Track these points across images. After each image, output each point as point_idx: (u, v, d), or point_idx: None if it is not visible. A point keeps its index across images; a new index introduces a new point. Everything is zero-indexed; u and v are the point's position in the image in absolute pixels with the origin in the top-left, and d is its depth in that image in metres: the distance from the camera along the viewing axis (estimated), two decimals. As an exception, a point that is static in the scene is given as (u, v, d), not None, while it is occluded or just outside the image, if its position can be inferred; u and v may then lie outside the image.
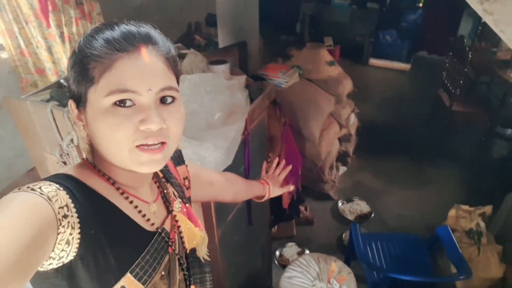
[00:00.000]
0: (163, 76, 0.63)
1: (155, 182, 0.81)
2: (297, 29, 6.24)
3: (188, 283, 0.80)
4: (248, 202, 1.71)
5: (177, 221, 0.80)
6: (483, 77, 4.12)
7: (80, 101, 0.64)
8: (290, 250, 2.76)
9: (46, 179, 0.61)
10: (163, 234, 0.74)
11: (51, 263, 0.56)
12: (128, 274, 0.64)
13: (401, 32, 5.53)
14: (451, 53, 3.73)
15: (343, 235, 2.87)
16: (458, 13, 5.08)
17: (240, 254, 1.89)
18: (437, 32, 5.31)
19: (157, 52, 0.63)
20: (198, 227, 0.86)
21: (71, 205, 0.58)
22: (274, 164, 1.34)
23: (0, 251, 0.47)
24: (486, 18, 0.88)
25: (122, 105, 0.60)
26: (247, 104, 1.45)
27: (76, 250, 0.57)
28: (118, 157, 0.63)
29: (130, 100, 0.60)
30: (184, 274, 0.79)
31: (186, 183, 0.92)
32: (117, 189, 0.69)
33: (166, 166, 0.86)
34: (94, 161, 0.69)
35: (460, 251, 2.02)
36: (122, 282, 0.63)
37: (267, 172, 1.33)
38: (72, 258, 0.58)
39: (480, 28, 3.97)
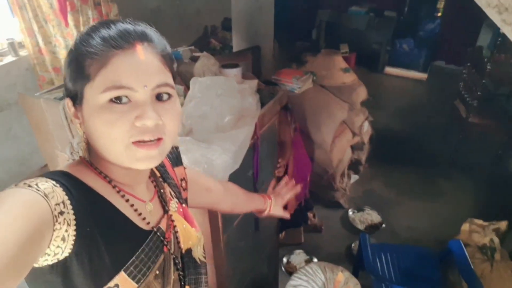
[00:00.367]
0: (159, 73, 0.63)
1: (152, 182, 0.81)
2: (313, 35, 6.22)
3: (183, 283, 0.80)
4: (256, 208, 1.69)
5: (173, 220, 0.79)
6: (502, 89, 4.02)
7: (77, 99, 0.64)
8: (298, 257, 2.73)
9: (42, 175, 0.61)
10: (158, 233, 0.74)
11: (46, 260, 0.56)
12: (122, 273, 0.64)
13: (419, 41, 5.47)
14: (469, 64, 3.66)
15: (352, 244, 2.83)
16: (477, 23, 5.00)
17: (246, 260, 1.87)
18: (456, 42, 5.23)
19: (153, 49, 0.64)
20: (194, 227, 0.86)
21: (67, 202, 0.58)
22: (283, 182, 1.32)
23: None
24: (505, 29, 0.86)
25: (118, 101, 0.60)
26: (257, 109, 1.44)
27: (71, 247, 0.57)
28: (114, 154, 0.63)
29: (126, 96, 0.60)
30: (179, 274, 0.79)
31: (183, 184, 0.92)
32: (114, 187, 0.69)
33: (163, 166, 0.86)
34: (91, 159, 0.69)
35: (472, 266, 1.96)
36: (115, 280, 0.63)
37: (274, 188, 1.32)
38: (67, 255, 0.58)
39: (499, 39, 3.89)
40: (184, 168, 0.93)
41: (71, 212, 0.58)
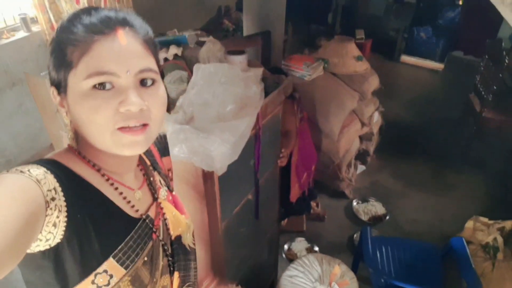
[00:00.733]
0: (142, 57, 0.63)
1: (141, 170, 0.82)
2: (329, 19, 6.09)
3: (172, 269, 0.82)
4: (256, 196, 1.69)
5: (162, 208, 0.81)
6: (520, 84, 3.91)
7: (61, 87, 0.64)
8: (299, 245, 2.74)
9: (33, 163, 0.62)
10: (147, 221, 0.75)
11: (38, 245, 0.58)
12: (110, 259, 0.66)
13: (437, 29, 5.29)
14: (486, 56, 3.55)
15: (355, 235, 2.82)
16: (499, 14, 4.81)
17: (246, 246, 1.89)
18: (476, 32, 5.05)
19: (135, 34, 0.63)
20: (184, 214, 0.87)
21: (59, 189, 0.59)
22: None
23: None
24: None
25: (101, 88, 0.60)
26: (261, 98, 1.41)
27: (62, 233, 0.59)
28: (100, 141, 0.64)
29: (109, 82, 0.60)
30: (168, 260, 0.81)
31: (170, 174, 0.93)
32: (102, 175, 0.70)
33: (152, 155, 0.87)
34: (79, 147, 0.70)
35: (473, 265, 1.94)
36: (104, 266, 0.65)
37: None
38: (59, 241, 0.59)
39: (522, 31, 3.75)
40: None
41: (62, 198, 0.59)
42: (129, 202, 0.73)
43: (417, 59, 5.52)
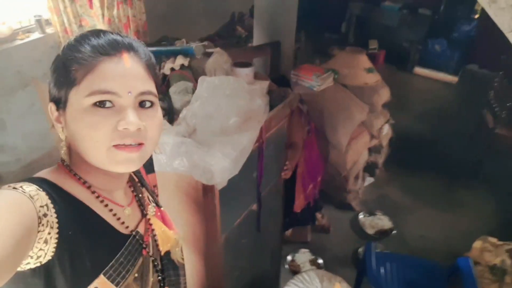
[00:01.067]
0: (143, 81, 0.66)
1: (130, 187, 0.83)
2: (342, 28, 6.07)
3: (162, 284, 0.82)
4: (259, 209, 1.68)
5: (151, 224, 0.82)
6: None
7: (60, 103, 0.66)
8: (303, 256, 2.71)
9: (24, 180, 0.63)
10: (137, 237, 0.75)
11: (28, 263, 0.58)
12: (101, 276, 0.66)
13: (452, 42, 5.23)
14: (501, 72, 3.48)
15: (360, 249, 2.78)
16: (517, 28, 4.73)
17: (247, 258, 1.87)
18: (492, 46, 4.94)
19: (138, 58, 0.67)
20: (172, 230, 0.88)
21: (51, 206, 0.60)
22: None
23: None
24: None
25: (101, 106, 0.62)
26: (265, 112, 1.41)
27: (53, 250, 0.59)
28: (95, 157, 0.65)
29: (110, 101, 0.63)
30: (159, 276, 0.81)
31: (156, 190, 0.96)
32: (93, 192, 0.71)
33: (139, 172, 0.89)
34: (71, 164, 0.71)
35: (478, 287, 1.89)
36: (95, 283, 0.65)
37: None
38: (50, 258, 0.59)
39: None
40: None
41: (54, 215, 0.60)
42: (119, 218, 0.73)
43: (431, 71, 5.46)
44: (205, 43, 1.57)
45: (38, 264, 0.58)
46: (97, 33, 0.65)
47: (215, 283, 1.55)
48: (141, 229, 0.78)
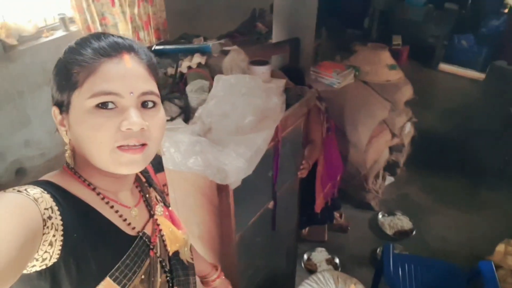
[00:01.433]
0: (145, 81, 0.67)
1: (137, 187, 0.83)
2: (365, 24, 5.95)
3: (170, 285, 0.82)
4: (274, 208, 1.67)
5: (158, 224, 0.81)
6: None
7: (63, 106, 0.66)
8: (319, 255, 2.69)
9: (29, 184, 0.63)
10: (144, 238, 0.75)
11: (34, 265, 0.58)
12: (107, 278, 0.66)
13: (480, 38, 5.06)
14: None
15: (378, 249, 2.74)
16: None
17: (261, 256, 1.87)
18: (522, 42, 4.79)
19: (139, 59, 0.68)
20: (181, 229, 0.88)
21: (55, 208, 0.60)
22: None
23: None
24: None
25: (104, 107, 0.62)
26: (281, 111, 1.39)
27: (58, 252, 0.59)
28: (99, 159, 0.65)
29: (112, 102, 0.63)
30: (167, 277, 0.81)
31: (165, 189, 0.95)
32: (98, 194, 0.71)
33: (147, 172, 0.88)
34: (75, 166, 0.71)
35: (501, 293, 1.83)
36: (101, 285, 0.65)
37: None
38: (55, 260, 0.59)
39: None
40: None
41: (59, 217, 0.60)
42: (125, 220, 0.73)
43: (457, 68, 5.30)
44: (222, 41, 1.57)
45: (44, 267, 0.59)
46: (97, 35, 0.66)
47: (231, 281, 1.56)
48: (148, 230, 0.78)
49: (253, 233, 1.63)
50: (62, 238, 0.59)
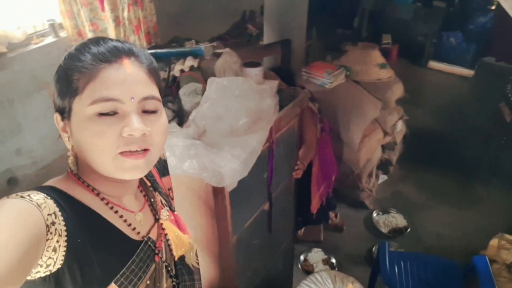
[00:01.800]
0: (146, 85, 0.66)
1: (141, 191, 0.82)
2: (355, 23, 5.99)
3: None
4: (270, 209, 1.68)
5: (164, 229, 0.80)
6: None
7: (65, 112, 0.65)
8: (316, 256, 2.70)
9: (32, 189, 0.63)
10: (149, 243, 0.74)
11: (38, 271, 0.58)
12: (112, 284, 0.65)
13: (468, 35, 5.11)
14: (519, 65, 3.39)
15: (374, 248, 2.75)
16: (535, 19, 4.60)
17: (258, 258, 1.87)
18: (509, 38, 4.84)
19: (139, 63, 0.67)
20: (187, 234, 0.87)
21: (59, 213, 0.60)
22: None
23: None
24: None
25: (105, 113, 0.62)
26: (275, 112, 1.40)
27: (63, 258, 0.59)
28: (102, 165, 0.65)
29: (113, 109, 0.62)
30: (173, 281, 0.80)
31: (171, 193, 0.94)
32: (102, 199, 0.70)
33: (152, 176, 0.87)
34: (79, 172, 0.71)
35: (496, 286, 1.85)
36: None
37: None
38: (59, 266, 0.59)
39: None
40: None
41: (62, 223, 0.60)
42: (129, 225, 0.73)
43: (446, 65, 5.35)
44: (214, 43, 1.57)
45: (48, 273, 0.58)
46: (96, 41, 0.65)
47: (227, 284, 1.56)
48: (153, 235, 0.77)
49: (249, 235, 1.63)
50: (66, 243, 0.59)
